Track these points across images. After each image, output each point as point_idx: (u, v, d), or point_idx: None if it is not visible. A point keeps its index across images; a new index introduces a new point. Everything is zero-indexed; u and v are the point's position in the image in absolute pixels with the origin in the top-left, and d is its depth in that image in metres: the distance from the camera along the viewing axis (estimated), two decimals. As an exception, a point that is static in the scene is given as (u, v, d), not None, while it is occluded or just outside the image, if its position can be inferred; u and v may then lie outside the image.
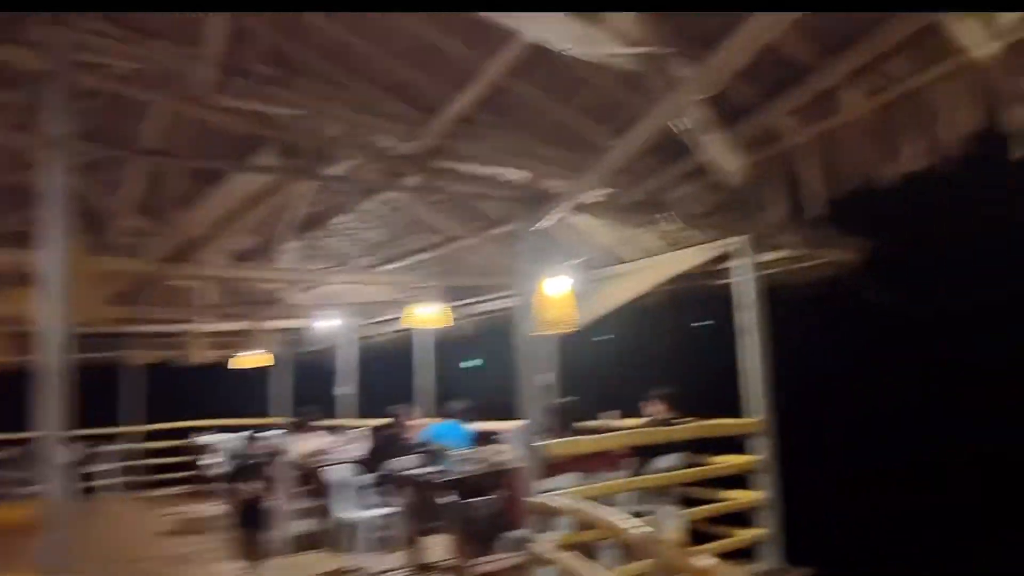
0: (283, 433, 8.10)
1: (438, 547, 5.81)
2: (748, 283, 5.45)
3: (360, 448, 6.95)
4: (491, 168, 4.79)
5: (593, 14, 3.14)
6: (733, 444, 5.36)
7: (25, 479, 5.61)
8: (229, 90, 3.85)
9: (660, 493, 5.18)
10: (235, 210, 5.39)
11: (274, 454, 6.91)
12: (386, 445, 6.62)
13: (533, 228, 4.72)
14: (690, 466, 5.27)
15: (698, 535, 4.98)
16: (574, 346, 6.80)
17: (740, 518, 5.24)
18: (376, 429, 7.11)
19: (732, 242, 5.45)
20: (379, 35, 4.03)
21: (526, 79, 4.22)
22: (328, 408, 9.44)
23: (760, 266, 5.51)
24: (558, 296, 5.13)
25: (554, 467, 4.56)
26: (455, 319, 8.10)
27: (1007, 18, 3.16)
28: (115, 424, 11.16)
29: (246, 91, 3.90)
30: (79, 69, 3.27)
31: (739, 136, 4.22)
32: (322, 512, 6.62)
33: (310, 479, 6.79)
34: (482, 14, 3.16)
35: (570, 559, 4.06)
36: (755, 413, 5.32)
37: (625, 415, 6.36)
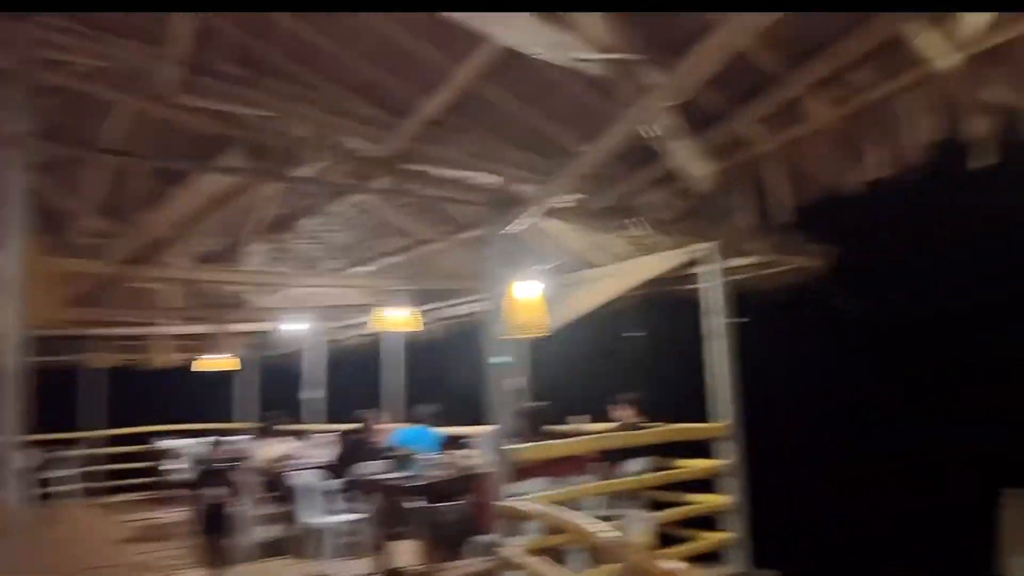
0: (248, 438, 7.99)
1: (406, 552, 5.76)
2: (716, 289, 5.51)
3: (327, 453, 6.88)
4: (461, 172, 4.78)
5: (563, 18, 3.15)
6: (701, 448, 5.40)
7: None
8: (195, 89, 3.80)
9: (628, 497, 5.21)
10: (200, 211, 5.31)
11: (239, 459, 6.82)
12: (354, 450, 6.57)
13: (503, 232, 4.72)
14: (658, 470, 5.30)
15: (666, 539, 5.00)
16: (544, 351, 6.80)
17: (708, 522, 5.29)
18: (344, 434, 7.06)
19: (700, 248, 5.50)
20: (348, 36, 4.00)
21: (496, 83, 4.21)
22: (295, 413, 9.34)
23: (728, 272, 5.57)
24: (528, 300, 5.13)
25: (523, 471, 4.56)
26: (425, 323, 8.07)
27: (968, 30, 3.23)
28: (75, 429, 10.90)
29: (213, 91, 3.85)
30: (41, 66, 3.20)
31: (708, 143, 4.27)
32: (288, 518, 6.54)
33: (275, 484, 6.70)
34: (453, 17, 3.16)
35: (538, 563, 4.06)
36: (723, 417, 5.37)
37: (594, 419, 6.38)
